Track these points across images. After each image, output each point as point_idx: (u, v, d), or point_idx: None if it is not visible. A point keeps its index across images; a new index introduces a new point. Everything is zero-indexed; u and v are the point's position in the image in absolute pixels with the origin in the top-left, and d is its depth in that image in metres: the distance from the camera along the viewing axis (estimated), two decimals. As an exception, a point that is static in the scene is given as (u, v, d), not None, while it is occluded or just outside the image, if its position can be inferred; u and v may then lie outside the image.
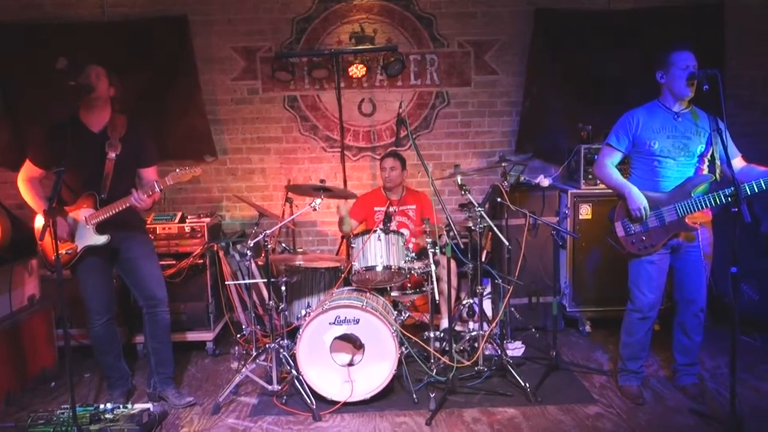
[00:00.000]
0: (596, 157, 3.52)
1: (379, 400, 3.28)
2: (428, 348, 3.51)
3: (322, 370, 3.26)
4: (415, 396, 3.29)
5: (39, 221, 3.13)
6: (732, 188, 2.71)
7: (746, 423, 2.79)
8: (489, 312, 4.06)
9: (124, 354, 3.48)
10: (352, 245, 3.62)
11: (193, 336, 4.14)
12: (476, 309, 3.72)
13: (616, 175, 3.16)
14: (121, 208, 3.03)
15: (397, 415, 3.16)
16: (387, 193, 4.30)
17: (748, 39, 4.75)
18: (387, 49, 4.66)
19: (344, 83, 4.78)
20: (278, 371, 3.39)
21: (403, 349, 3.45)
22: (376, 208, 4.28)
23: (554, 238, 3.56)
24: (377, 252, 3.46)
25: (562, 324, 4.38)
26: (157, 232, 4.07)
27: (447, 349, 3.44)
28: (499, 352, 3.56)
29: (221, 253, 4.26)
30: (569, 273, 4.31)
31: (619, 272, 3.32)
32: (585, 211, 4.26)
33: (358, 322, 3.24)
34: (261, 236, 3.39)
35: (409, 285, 3.80)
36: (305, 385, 3.24)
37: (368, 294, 3.55)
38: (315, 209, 3.43)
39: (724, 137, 2.83)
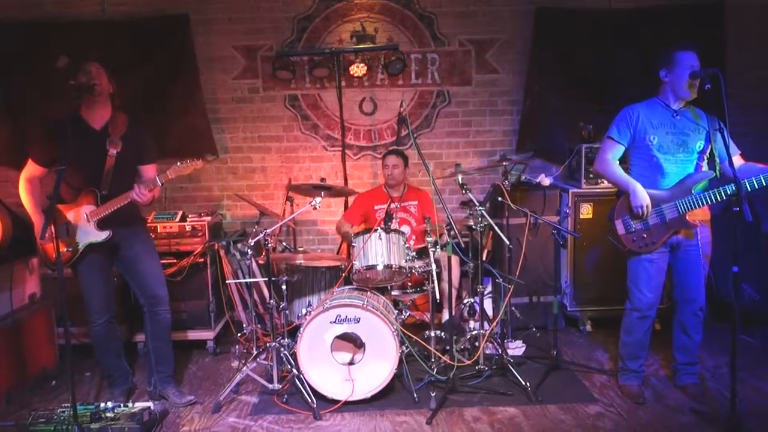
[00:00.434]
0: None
1: (380, 399, 3.28)
2: (429, 347, 3.51)
3: (323, 368, 3.26)
4: (415, 395, 3.29)
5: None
6: (733, 185, 2.71)
7: (746, 422, 2.79)
8: (490, 311, 4.06)
9: (124, 352, 3.48)
10: (353, 244, 3.62)
11: (193, 335, 4.14)
12: (477, 308, 3.72)
13: (620, 171, 3.15)
14: (122, 204, 3.04)
15: (398, 414, 3.16)
16: (388, 190, 4.30)
17: (749, 38, 4.75)
18: (388, 48, 4.65)
19: (345, 82, 4.78)
20: (279, 370, 3.40)
21: (404, 348, 3.46)
22: (376, 207, 4.28)
23: (555, 238, 3.56)
24: (378, 251, 3.46)
25: (562, 323, 4.38)
26: (158, 230, 4.07)
27: (448, 348, 3.44)
28: (500, 351, 3.56)
29: (222, 252, 4.26)
30: (570, 272, 4.30)
31: (619, 272, 3.31)
32: (586, 211, 4.26)
33: (358, 321, 3.24)
34: (262, 235, 3.39)
35: (409, 284, 3.80)
36: (306, 383, 3.24)
37: (369, 293, 3.55)
38: (315, 208, 3.43)
39: (724, 135, 2.83)
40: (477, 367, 3.53)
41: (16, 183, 3.18)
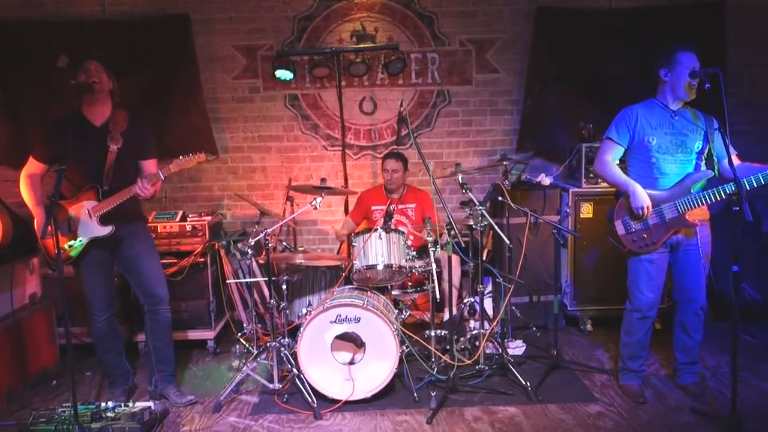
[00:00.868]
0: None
1: (380, 399, 3.29)
2: (429, 347, 3.51)
3: (323, 368, 3.26)
4: (416, 394, 3.29)
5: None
6: (733, 185, 2.71)
7: (747, 422, 2.78)
8: (490, 311, 4.06)
9: (125, 352, 3.48)
10: (353, 244, 3.62)
11: (194, 334, 4.14)
12: (477, 307, 3.72)
13: (619, 173, 3.15)
14: (124, 198, 3.06)
15: (398, 414, 3.16)
16: (388, 192, 4.30)
17: (749, 38, 4.74)
18: (388, 47, 4.65)
19: (345, 82, 4.78)
20: (279, 370, 3.40)
21: (404, 347, 3.46)
22: (374, 207, 4.28)
23: (555, 237, 3.56)
24: (378, 251, 3.46)
25: (563, 323, 4.38)
26: (158, 230, 4.07)
27: (448, 347, 3.44)
28: (500, 350, 3.56)
29: (222, 252, 4.27)
30: (570, 272, 4.30)
31: (620, 271, 3.31)
32: (586, 210, 4.26)
33: (359, 321, 3.24)
34: (262, 235, 3.39)
35: (410, 284, 3.80)
36: (306, 383, 3.24)
37: (369, 293, 3.55)
38: (316, 208, 3.43)
39: (724, 135, 2.82)
40: (477, 367, 3.53)
41: (16, 183, 3.19)
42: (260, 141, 4.93)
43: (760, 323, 4.05)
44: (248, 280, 3.82)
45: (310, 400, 3.18)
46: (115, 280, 3.45)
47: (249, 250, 3.59)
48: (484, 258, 3.70)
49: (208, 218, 4.24)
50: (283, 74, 4.55)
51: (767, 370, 3.54)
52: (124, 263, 3.27)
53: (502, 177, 4.08)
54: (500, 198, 3.77)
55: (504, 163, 3.93)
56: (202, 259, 4.11)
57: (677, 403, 3.19)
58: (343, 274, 3.74)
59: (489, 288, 4.09)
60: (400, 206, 4.23)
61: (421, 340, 3.52)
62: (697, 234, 3.06)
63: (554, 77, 4.73)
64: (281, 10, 4.75)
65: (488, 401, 3.25)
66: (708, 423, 2.96)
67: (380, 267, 3.44)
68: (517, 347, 3.92)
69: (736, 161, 2.97)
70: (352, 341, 3.30)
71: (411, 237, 4.09)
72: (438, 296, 3.32)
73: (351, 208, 4.52)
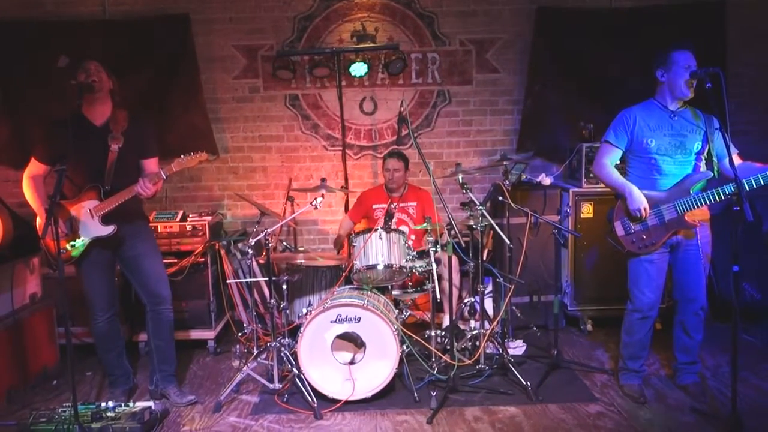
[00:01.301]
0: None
1: (381, 399, 3.29)
2: (429, 346, 3.51)
3: (324, 368, 3.26)
4: (416, 394, 3.29)
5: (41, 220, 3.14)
6: (732, 185, 2.71)
7: (747, 422, 2.78)
8: (490, 311, 4.06)
9: (125, 352, 3.48)
10: (354, 244, 3.62)
11: (194, 334, 4.14)
12: (477, 307, 3.72)
13: (616, 175, 3.15)
14: (126, 198, 3.06)
15: (399, 414, 3.16)
16: (389, 191, 4.30)
17: (750, 37, 4.74)
18: (388, 47, 4.65)
19: (345, 82, 4.78)
20: (279, 369, 3.40)
21: (404, 347, 3.46)
22: (374, 206, 4.28)
23: (555, 237, 3.56)
24: (378, 250, 3.46)
25: (563, 323, 4.38)
26: (159, 230, 4.07)
27: (448, 347, 3.44)
28: (501, 350, 3.56)
29: (222, 252, 4.27)
30: (570, 272, 4.30)
31: (620, 271, 3.31)
32: (586, 210, 4.26)
33: (359, 321, 3.24)
34: (262, 235, 3.39)
35: (410, 283, 3.80)
36: (306, 383, 3.24)
37: (369, 292, 3.55)
38: (316, 208, 3.43)
39: (724, 135, 2.82)
40: (477, 367, 3.53)
41: (16, 183, 3.20)
42: (260, 141, 4.93)
43: (760, 323, 4.04)
44: (248, 280, 3.82)
45: (310, 400, 3.18)
46: (116, 280, 3.44)
47: (249, 250, 3.59)
48: (484, 258, 3.70)
49: (209, 218, 4.23)
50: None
51: (767, 370, 3.55)
52: (127, 263, 3.27)
53: (502, 177, 4.08)
54: (500, 198, 3.77)
55: (504, 163, 3.93)
56: (203, 259, 4.11)
57: (677, 402, 3.19)
58: (344, 274, 3.74)
59: (489, 288, 4.09)
60: (401, 205, 4.23)
61: (421, 340, 3.52)
62: (697, 234, 3.05)
63: (554, 77, 4.73)
64: (281, 10, 4.75)
65: (488, 401, 3.25)
66: (708, 423, 2.96)
67: (380, 267, 3.44)
68: (517, 347, 3.92)
69: (737, 160, 2.97)
70: (352, 341, 3.30)
71: (412, 236, 4.10)
72: (438, 296, 3.32)
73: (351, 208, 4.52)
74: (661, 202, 3.03)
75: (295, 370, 3.30)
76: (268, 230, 3.39)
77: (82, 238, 3.09)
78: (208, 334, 4.16)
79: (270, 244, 3.37)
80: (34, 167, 3.16)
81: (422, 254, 3.57)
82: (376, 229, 3.51)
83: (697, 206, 2.95)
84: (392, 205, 4.04)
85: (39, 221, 3.14)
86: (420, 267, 3.49)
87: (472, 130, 4.96)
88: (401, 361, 3.32)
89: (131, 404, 3.02)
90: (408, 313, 3.89)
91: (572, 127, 4.53)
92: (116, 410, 2.95)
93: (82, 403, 2.99)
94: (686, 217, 2.98)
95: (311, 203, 3.46)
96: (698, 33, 4.52)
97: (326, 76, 4.80)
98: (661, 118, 3.07)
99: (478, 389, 3.36)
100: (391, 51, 4.62)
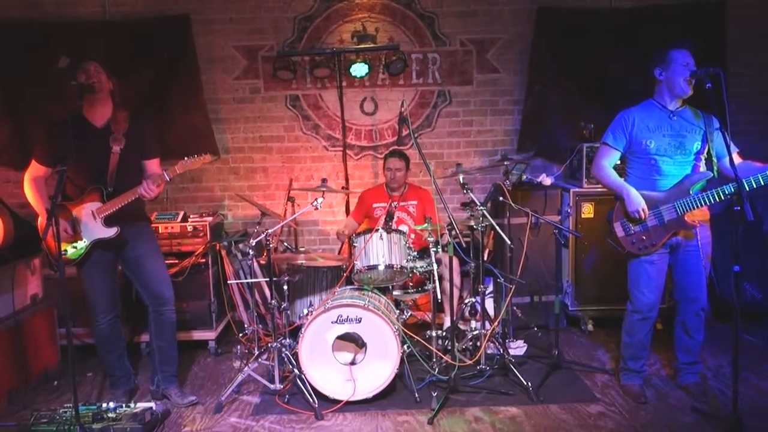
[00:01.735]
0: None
1: (381, 399, 3.29)
2: (430, 347, 3.51)
3: (325, 368, 3.27)
4: (417, 395, 3.29)
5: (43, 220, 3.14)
6: (733, 185, 2.70)
7: (748, 422, 2.78)
8: (491, 311, 4.05)
9: (126, 353, 3.48)
10: (354, 244, 3.62)
11: (195, 335, 4.14)
12: (478, 308, 3.72)
13: (614, 176, 3.15)
14: (129, 200, 3.06)
15: (399, 414, 3.16)
16: (389, 191, 4.30)
17: (750, 37, 4.74)
18: (389, 48, 4.65)
19: (346, 82, 4.78)
20: (280, 370, 3.40)
21: (405, 348, 3.45)
22: (375, 205, 4.28)
23: (556, 237, 3.56)
24: (379, 251, 3.46)
25: (564, 323, 4.38)
26: (160, 231, 4.07)
27: (449, 348, 3.44)
28: (501, 351, 3.56)
29: (223, 252, 4.27)
30: (571, 272, 4.30)
31: (621, 271, 3.31)
32: (587, 210, 4.26)
33: (360, 321, 3.24)
34: (263, 235, 3.39)
35: (411, 284, 3.80)
36: (307, 384, 3.25)
37: (370, 293, 3.55)
38: (317, 208, 3.43)
39: (724, 135, 2.82)
40: (478, 367, 3.53)
41: (17, 183, 3.20)
42: (261, 141, 4.93)
43: (761, 323, 4.05)
44: (249, 280, 3.82)
45: (311, 400, 3.18)
46: (117, 282, 3.44)
47: (250, 251, 3.59)
48: (485, 258, 3.70)
49: (210, 219, 4.24)
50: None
51: (768, 370, 3.56)
52: (129, 264, 3.27)
53: (503, 177, 4.08)
54: (501, 198, 3.76)
55: (505, 163, 3.93)
56: (204, 260, 4.11)
57: (678, 403, 3.19)
58: (344, 274, 3.74)
59: (490, 288, 4.09)
60: (402, 203, 4.23)
61: (422, 341, 3.52)
62: (697, 235, 3.05)
63: (555, 77, 4.73)
64: (282, 11, 4.75)
65: (489, 401, 3.25)
66: (709, 423, 2.96)
67: (381, 267, 3.44)
68: (518, 347, 3.92)
69: (737, 159, 2.96)
70: (353, 341, 3.30)
71: (412, 236, 4.10)
72: (439, 297, 3.32)
73: (352, 208, 4.52)
74: (661, 202, 3.03)
75: (296, 371, 3.30)
76: (269, 231, 3.39)
77: (84, 240, 3.09)
78: (209, 335, 4.16)
79: (271, 245, 3.37)
80: (35, 169, 3.16)
81: (423, 254, 3.58)
82: (377, 230, 3.50)
83: (697, 207, 2.95)
84: (393, 205, 4.04)
85: (41, 221, 3.14)
86: (421, 267, 3.49)
87: (472, 130, 4.96)
88: (402, 361, 3.32)
89: (132, 405, 3.02)
90: (409, 314, 3.89)
91: (573, 127, 4.53)
92: (117, 411, 2.95)
93: (83, 404, 2.99)
94: (686, 218, 2.98)
95: (312, 204, 3.46)
96: (698, 33, 4.52)
97: (327, 77, 4.80)
98: (661, 118, 3.07)
99: (479, 389, 3.37)
100: (391, 51, 4.62)
